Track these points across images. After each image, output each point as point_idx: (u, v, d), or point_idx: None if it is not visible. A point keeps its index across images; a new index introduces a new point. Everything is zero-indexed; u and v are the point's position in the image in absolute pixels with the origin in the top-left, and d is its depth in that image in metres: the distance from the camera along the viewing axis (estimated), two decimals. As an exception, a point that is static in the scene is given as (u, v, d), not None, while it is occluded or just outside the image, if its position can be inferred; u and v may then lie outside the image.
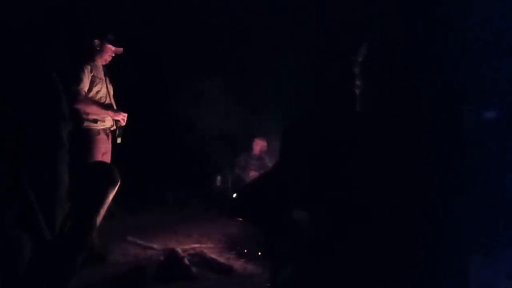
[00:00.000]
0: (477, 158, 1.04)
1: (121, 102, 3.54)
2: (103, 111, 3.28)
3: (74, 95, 3.09)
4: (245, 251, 3.33)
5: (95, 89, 3.26)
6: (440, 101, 1.08)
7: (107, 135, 3.35)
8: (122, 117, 3.39)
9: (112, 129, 3.39)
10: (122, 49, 3.37)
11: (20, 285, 1.35)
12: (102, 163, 2.65)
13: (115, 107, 3.45)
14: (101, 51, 3.30)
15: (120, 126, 3.41)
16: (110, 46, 3.30)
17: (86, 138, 3.21)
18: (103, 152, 3.31)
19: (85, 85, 3.18)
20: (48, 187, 1.39)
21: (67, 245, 1.50)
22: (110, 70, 3.47)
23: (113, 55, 3.36)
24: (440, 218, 1.01)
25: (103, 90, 3.33)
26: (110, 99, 3.41)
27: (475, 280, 1.07)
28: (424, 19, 1.09)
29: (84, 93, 3.18)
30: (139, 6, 5.24)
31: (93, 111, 3.23)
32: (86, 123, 3.22)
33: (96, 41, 3.28)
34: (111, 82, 3.49)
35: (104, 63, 3.36)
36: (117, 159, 3.39)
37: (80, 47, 3.32)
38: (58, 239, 1.43)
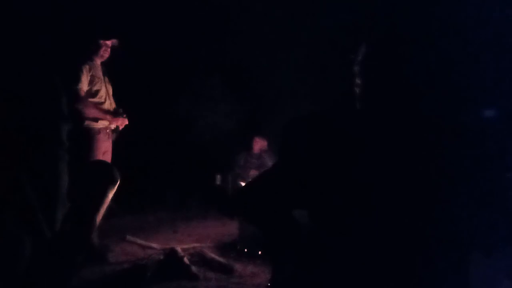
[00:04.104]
0: (478, 156, 1.04)
1: (121, 102, 3.54)
2: (102, 114, 3.27)
3: (73, 95, 3.09)
4: (245, 250, 3.33)
5: (94, 89, 3.25)
6: (441, 100, 1.08)
7: (108, 134, 3.35)
8: (121, 122, 3.38)
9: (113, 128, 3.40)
10: (116, 40, 3.35)
11: (20, 285, 1.35)
12: (101, 162, 2.65)
13: (114, 106, 3.44)
14: (96, 48, 3.29)
15: (115, 128, 3.40)
16: (102, 41, 3.29)
17: (87, 137, 3.20)
18: (104, 151, 3.31)
19: (84, 84, 3.18)
20: (48, 187, 1.39)
21: (67, 244, 1.50)
22: (110, 69, 3.47)
23: (109, 48, 3.34)
24: (442, 218, 1.01)
25: (103, 90, 3.33)
26: (109, 99, 3.41)
27: (476, 279, 1.07)
28: (424, 17, 1.09)
29: (83, 92, 3.17)
30: (139, 5, 5.24)
31: (92, 113, 3.22)
32: (86, 122, 3.22)
33: (90, 40, 3.27)
34: (111, 81, 3.48)
35: (102, 60, 3.35)
36: (117, 158, 3.39)
37: (78, 47, 3.32)
38: (58, 238, 1.43)
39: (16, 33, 1.65)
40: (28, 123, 1.39)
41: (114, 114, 3.37)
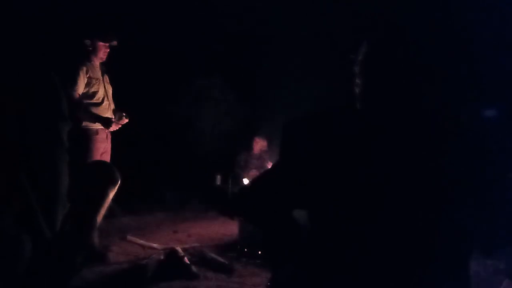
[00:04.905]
0: (479, 157, 1.04)
1: (121, 102, 3.53)
2: (94, 119, 3.25)
3: (68, 98, 3.07)
4: (245, 250, 3.33)
5: (91, 90, 3.24)
6: (442, 100, 1.08)
7: (106, 135, 3.34)
8: (114, 128, 3.37)
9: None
10: (115, 42, 3.34)
11: (20, 285, 1.35)
12: (102, 163, 2.65)
13: (113, 107, 3.43)
14: (94, 50, 3.28)
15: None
16: (101, 43, 3.28)
17: (85, 138, 3.20)
18: (102, 151, 3.30)
19: (80, 87, 3.17)
20: (48, 187, 1.39)
21: (67, 244, 1.50)
22: (110, 69, 3.46)
23: (108, 50, 3.32)
24: (443, 217, 1.01)
25: (101, 91, 3.31)
26: (108, 99, 3.39)
27: (476, 279, 1.07)
28: (425, 17, 1.09)
29: (78, 95, 3.17)
30: (140, 5, 5.24)
31: (86, 117, 3.22)
32: (84, 123, 3.21)
33: (88, 41, 3.25)
34: (111, 81, 3.47)
35: (101, 61, 3.34)
36: (118, 158, 3.39)
37: (77, 48, 3.31)
38: (58, 238, 1.43)
39: (16, 33, 1.65)
40: (28, 123, 1.39)
41: (111, 116, 3.36)
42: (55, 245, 1.42)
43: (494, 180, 1.04)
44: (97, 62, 3.32)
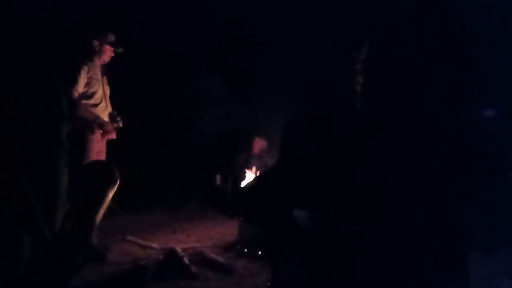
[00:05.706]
0: (479, 157, 1.04)
1: (121, 101, 3.53)
2: (92, 120, 3.25)
3: (68, 97, 3.06)
4: (245, 250, 3.33)
5: (90, 91, 3.24)
6: (442, 100, 1.08)
7: (102, 135, 3.34)
8: (111, 129, 3.37)
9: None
10: (122, 49, 3.35)
11: (20, 285, 1.35)
12: (101, 163, 2.65)
13: (110, 109, 3.43)
14: (100, 52, 3.28)
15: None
16: (109, 47, 3.29)
17: (80, 138, 3.19)
18: (98, 151, 3.30)
19: (80, 86, 3.17)
20: (48, 187, 1.39)
21: (67, 244, 1.50)
22: (110, 70, 3.46)
23: (112, 55, 3.34)
24: (443, 217, 1.01)
25: (99, 92, 3.31)
26: (106, 101, 3.39)
27: (476, 279, 1.07)
28: (426, 17, 1.09)
29: (77, 94, 3.17)
30: (140, 5, 5.24)
31: (83, 117, 3.22)
32: (80, 123, 3.21)
33: (95, 42, 3.26)
34: (110, 82, 3.47)
35: (102, 63, 3.34)
36: (117, 158, 3.38)
37: (79, 47, 3.31)
38: (58, 238, 1.43)
39: (16, 33, 1.65)
40: (28, 123, 1.39)
41: (107, 117, 3.36)
42: (55, 245, 1.42)
43: (494, 180, 1.04)
44: (98, 63, 3.32)
